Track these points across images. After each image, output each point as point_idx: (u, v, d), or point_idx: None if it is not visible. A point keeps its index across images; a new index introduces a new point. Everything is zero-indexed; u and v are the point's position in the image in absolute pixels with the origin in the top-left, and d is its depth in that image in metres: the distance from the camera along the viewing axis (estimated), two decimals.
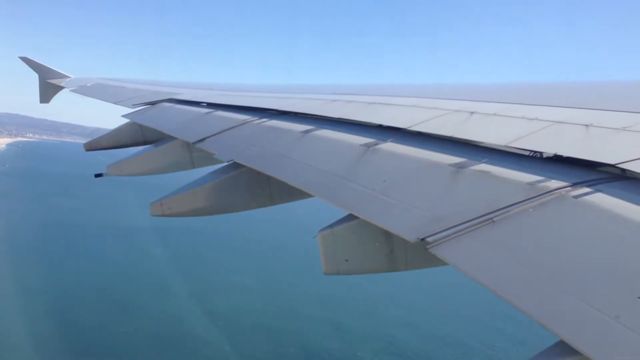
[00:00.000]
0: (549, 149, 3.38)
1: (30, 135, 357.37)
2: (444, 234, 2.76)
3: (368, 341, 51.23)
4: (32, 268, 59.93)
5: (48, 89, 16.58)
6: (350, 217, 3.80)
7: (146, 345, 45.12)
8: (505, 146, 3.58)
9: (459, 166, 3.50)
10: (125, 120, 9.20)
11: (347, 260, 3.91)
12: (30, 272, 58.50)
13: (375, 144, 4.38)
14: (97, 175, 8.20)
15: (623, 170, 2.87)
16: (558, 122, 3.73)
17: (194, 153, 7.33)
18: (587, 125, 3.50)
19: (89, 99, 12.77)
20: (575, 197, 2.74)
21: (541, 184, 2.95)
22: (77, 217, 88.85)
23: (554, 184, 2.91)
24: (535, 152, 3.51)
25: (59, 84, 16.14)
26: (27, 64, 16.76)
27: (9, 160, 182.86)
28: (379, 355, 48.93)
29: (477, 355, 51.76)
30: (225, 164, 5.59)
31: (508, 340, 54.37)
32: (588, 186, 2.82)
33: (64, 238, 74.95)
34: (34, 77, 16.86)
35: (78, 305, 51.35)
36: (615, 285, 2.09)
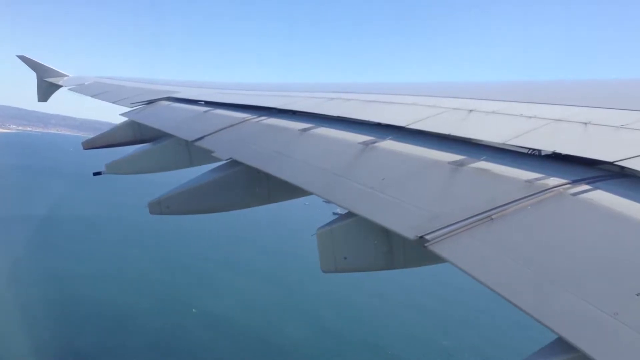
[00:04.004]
0: (547, 147, 3.38)
1: (14, 126, 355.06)
2: (442, 231, 2.75)
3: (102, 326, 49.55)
4: None
5: (46, 87, 16.55)
6: (349, 215, 3.80)
7: None
8: (503, 144, 3.58)
9: (458, 164, 3.50)
10: (124, 119, 9.19)
11: (345, 258, 3.91)
12: None
13: (374, 142, 4.38)
14: (96, 174, 8.19)
15: (622, 167, 2.87)
16: (556, 120, 3.73)
17: (192, 151, 7.33)
18: (585, 123, 3.50)
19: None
20: (574, 194, 2.74)
21: (540, 182, 2.95)
22: None
23: (552, 181, 2.92)
24: (533, 149, 3.51)
25: (56, 83, 16.11)
26: (25, 62, 16.72)
27: None
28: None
29: None
30: (224, 162, 5.59)
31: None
32: (586, 184, 2.82)
33: None
34: (32, 74, 16.83)
35: None
36: (614, 282, 2.10)
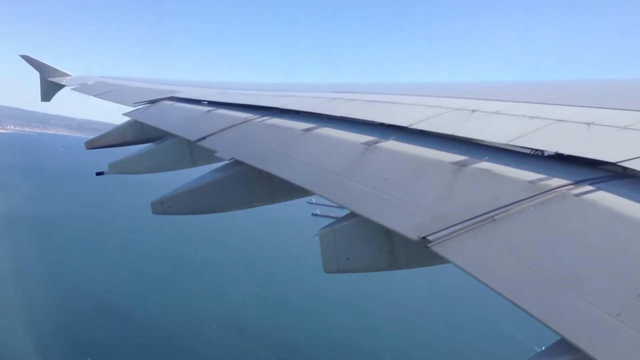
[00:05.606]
0: (550, 147, 3.37)
1: (11, 127, 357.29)
2: (445, 232, 2.75)
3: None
4: None
5: (49, 87, 16.58)
6: (351, 216, 3.81)
7: None
8: (506, 144, 3.58)
9: (461, 164, 3.50)
10: (126, 119, 9.21)
11: (348, 259, 3.91)
12: None
13: (377, 142, 4.38)
14: (99, 174, 8.21)
15: (624, 168, 2.86)
16: (559, 120, 3.72)
17: (194, 151, 7.34)
18: (588, 124, 3.50)
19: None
20: (577, 195, 2.74)
21: (542, 182, 2.94)
22: None
23: (555, 182, 2.91)
24: (536, 150, 3.51)
25: (59, 83, 16.14)
26: (28, 62, 16.75)
27: None
28: None
29: None
30: (226, 162, 5.59)
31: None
32: (589, 184, 2.82)
33: None
34: (34, 74, 16.87)
35: None
36: (617, 283, 2.09)
